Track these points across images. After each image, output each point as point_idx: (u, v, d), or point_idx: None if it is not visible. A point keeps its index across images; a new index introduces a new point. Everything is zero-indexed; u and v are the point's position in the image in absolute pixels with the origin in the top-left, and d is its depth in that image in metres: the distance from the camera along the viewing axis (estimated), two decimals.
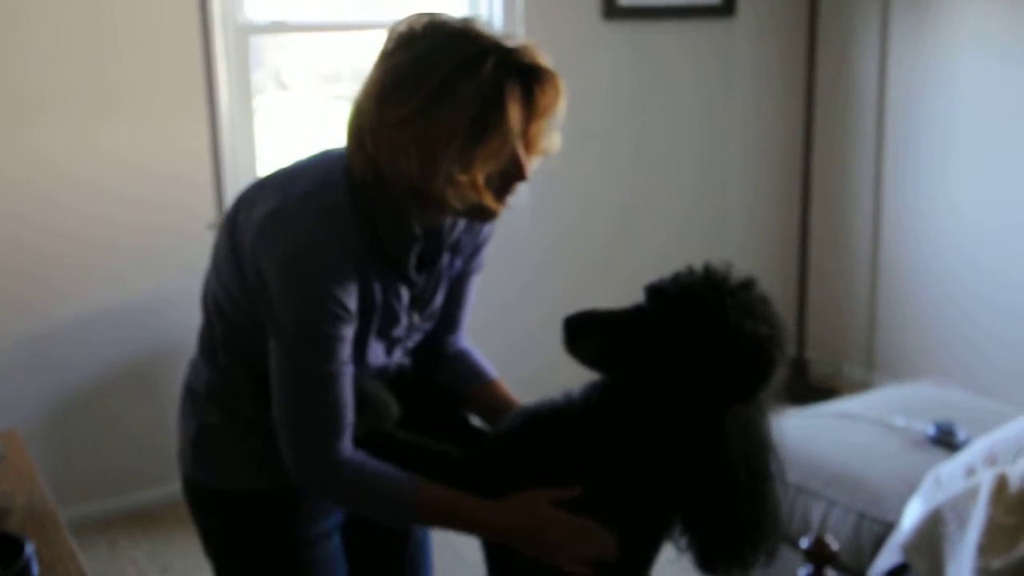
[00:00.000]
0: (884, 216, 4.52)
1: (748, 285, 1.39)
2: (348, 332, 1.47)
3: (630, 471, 1.42)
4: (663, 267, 1.45)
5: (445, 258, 1.62)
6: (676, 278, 1.40)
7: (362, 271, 1.48)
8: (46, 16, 3.27)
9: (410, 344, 1.67)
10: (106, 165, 3.43)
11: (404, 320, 1.58)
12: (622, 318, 1.40)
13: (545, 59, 1.42)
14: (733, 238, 4.67)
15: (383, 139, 1.40)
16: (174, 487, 3.67)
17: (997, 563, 1.74)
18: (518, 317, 4.15)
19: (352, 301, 1.46)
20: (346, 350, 1.48)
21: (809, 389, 4.41)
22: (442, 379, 1.75)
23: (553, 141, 1.47)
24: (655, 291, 1.40)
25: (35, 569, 1.51)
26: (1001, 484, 1.90)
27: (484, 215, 1.50)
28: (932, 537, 1.92)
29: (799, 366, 4.57)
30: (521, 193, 4.61)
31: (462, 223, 1.61)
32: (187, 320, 3.75)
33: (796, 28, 4.61)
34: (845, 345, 4.74)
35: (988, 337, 4.15)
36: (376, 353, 1.58)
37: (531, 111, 1.41)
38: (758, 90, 4.67)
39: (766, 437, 1.43)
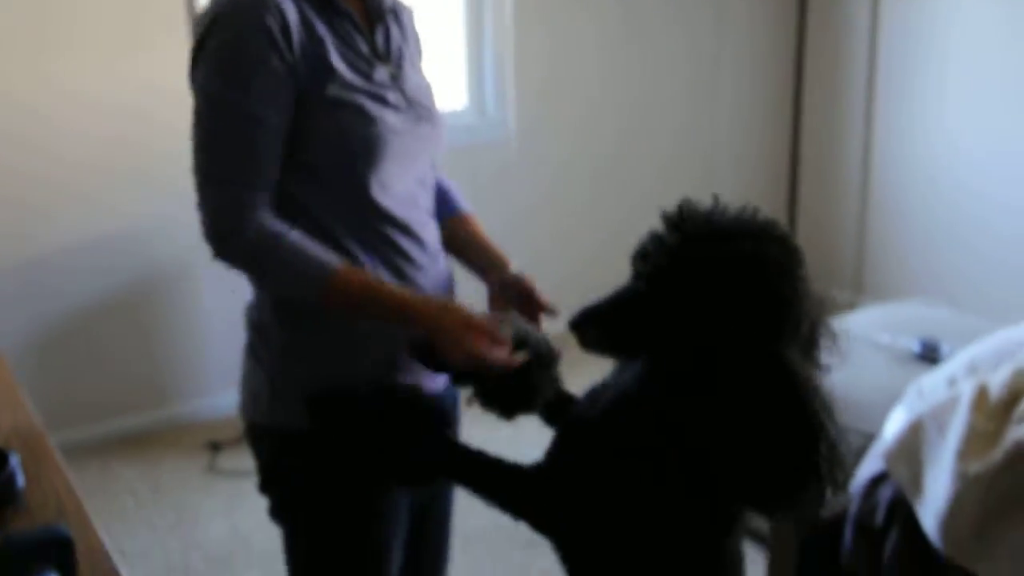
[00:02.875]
0: (874, 142, 4.50)
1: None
2: (275, 64, 1.45)
3: (704, 437, 1.34)
4: (653, 201, 1.42)
5: (395, 32, 1.64)
6: (655, 240, 1.33)
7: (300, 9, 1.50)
8: None
9: (427, 165, 1.68)
10: (102, 82, 3.41)
11: (379, 69, 1.57)
12: (620, 302, 1.36)
13: None
14: (723, 162, 4.65)
15: None
16: (165, 412, 3.74)
17: (975, 467, 1.75)
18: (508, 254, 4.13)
19: (286, 25, 1.46)
20: (269, 90, 1.46)
21: None
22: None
23: None
24: (640, 256, 1.35)
25: (20, 480, 1.53)
26: (982, 392, 1.90)
27: None
28: (913, 445, 1.93)
29: None
30: (509, 130, 4.53)
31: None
32: (176, 247, 3.73)
33: None
34: (833, 269, 4.75)
35: (976, 260, 4.16)
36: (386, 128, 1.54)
37: None
38: (749, 21, 4.62)
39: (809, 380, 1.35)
